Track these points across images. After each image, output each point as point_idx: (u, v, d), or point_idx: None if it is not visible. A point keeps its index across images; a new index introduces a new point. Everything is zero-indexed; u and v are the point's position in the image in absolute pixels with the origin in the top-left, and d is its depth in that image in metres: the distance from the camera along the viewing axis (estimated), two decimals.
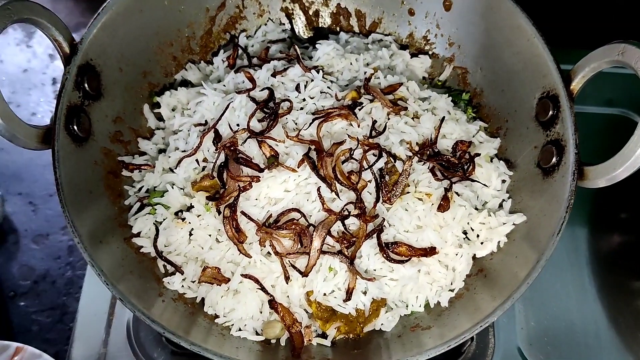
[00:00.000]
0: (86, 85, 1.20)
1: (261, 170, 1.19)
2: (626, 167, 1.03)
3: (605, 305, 1.44)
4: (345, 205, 1.17)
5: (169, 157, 1.29)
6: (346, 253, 1.16)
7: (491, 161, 1.31)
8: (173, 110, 1.39)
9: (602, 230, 1.55)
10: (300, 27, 1.53)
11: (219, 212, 1.20)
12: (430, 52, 1.47)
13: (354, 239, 1.17)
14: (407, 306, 1.23)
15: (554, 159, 1.17)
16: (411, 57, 1.45)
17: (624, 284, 1.50)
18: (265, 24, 1.49)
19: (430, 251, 1.20)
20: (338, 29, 1.52)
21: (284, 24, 1.51)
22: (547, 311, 1.42)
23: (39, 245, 1.60)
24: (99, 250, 1.12)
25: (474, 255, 1.26)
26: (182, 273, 1.22)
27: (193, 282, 1.23)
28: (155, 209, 1.26)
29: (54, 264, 1.57)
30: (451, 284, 1.24)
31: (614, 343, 1.40)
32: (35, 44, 1.91)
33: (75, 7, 2.03)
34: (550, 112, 1.18)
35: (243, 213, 1.18)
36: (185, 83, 1.44)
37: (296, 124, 1.25)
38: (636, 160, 1.01)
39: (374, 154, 1.21)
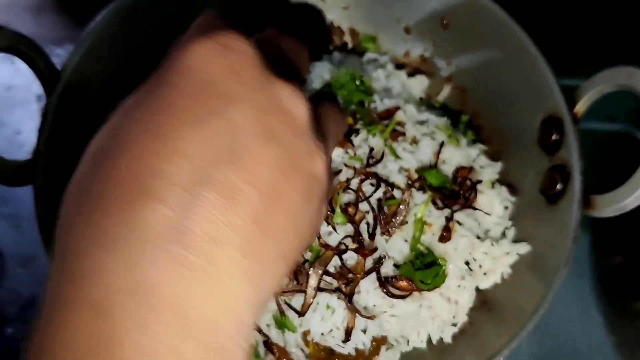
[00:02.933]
0: (69, 114, 1.14)
1: None
2: (636, 196, 0.98)
3: (611, 330, 1.39)
4: (342, 238, 1.12)
5: None
6: (344, 290, 1.11)
7: (493, 187, 1.26)
8: None
9: (606, 251, 1.49)
10: None
11: None
12: (427, 72, 1.41)
13: (351, 274, 1.11)
14: (408, 342, 1.18)
15: (558, 186, 1.11)
16: (408, 77, 1.39)
17: (628, 306, 1.45)
18: None
19: None
20: (331, 48, 1.46)
21: None
22: (551, 338, 1.37)
23: (25, 269, 1.53)
24: None
25: (477, 286, 1.21)
26: None
27: None
28: None
29: (42, 288, 1.51)
30: (454, 317, 1.19)
31: None
32: (19, 61, 1.84)
33: (60, 21, 1.95)
34: (554, 137, 1.13)
35: None
36: None
37: None
38: None
39: (371, 184, 1.15)
